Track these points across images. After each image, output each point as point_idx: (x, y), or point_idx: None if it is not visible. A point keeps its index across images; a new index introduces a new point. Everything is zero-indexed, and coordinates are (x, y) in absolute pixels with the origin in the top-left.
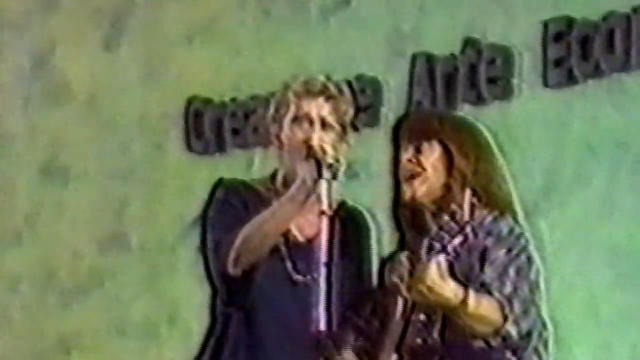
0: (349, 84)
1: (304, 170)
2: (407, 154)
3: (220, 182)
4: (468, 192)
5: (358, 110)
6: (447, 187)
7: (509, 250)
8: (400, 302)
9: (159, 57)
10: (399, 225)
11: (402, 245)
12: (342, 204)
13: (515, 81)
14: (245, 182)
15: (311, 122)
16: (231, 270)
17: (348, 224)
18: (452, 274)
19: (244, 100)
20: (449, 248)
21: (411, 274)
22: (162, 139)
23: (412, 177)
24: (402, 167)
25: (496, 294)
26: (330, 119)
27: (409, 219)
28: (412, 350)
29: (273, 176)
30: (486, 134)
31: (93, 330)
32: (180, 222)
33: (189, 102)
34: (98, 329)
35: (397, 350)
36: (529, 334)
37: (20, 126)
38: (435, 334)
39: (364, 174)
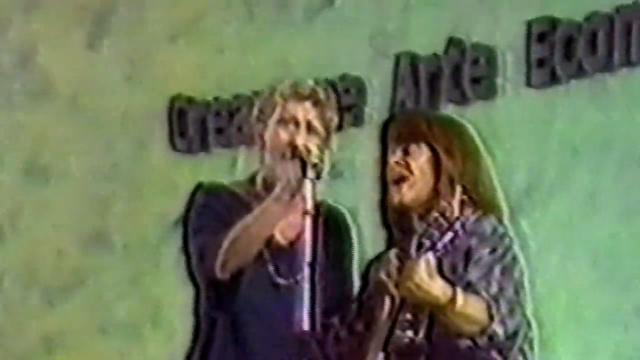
0: (333, 86)
1: (289, 170)
2: (394, 157)
3: (199, 186)
4: (458, 189)
5: (342, 113)
6: (436, 191)
7: (493, 250)
8: (387, 301)
9: (142, 56)
10: (387, 224)
11: (389, 244)
12: (322, 203)
13: (498, 81)
14: (225, 186)
15: (297, 125)
16: (219, 274)
17: (330, 223)
18: (441, 272)
19: (228, 99)
20: (439, 245)
21: (400, 271)
22: (145, 138)
23: (400, 180)
24: (389, 169)
25: (483, 293)
26: (316, 124)
27: (396, 218)
28: (398, 350)
29: (252, 179)
30: (473, 133)
31: (76, 329)
32: (164, 221)
33: (173, 101)
34: (81, 328)
35: (384, 350)
36: (514, 334)
37: (3, 124)
38: (422, 333)
39: (347, 174)
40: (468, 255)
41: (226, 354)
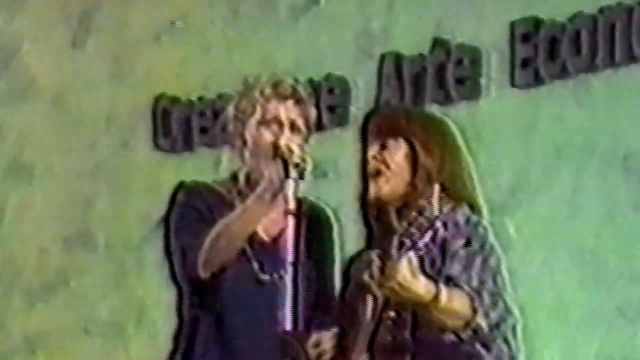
0: (310, 81)
1: (271, 170)
2: (372, 151)
3: (181, 186)
4: (437, 187)
5: (320, 110)
6: (412, 185)
7: (469, 241)
8: (370, 301)
9: (126, 54)
10: (368, 223)
11: (369, 242)
12: (303, 201)
13: (483, 81)
14: (207, 184)
15: (280, 125)
16: (201, 273)
17: (312, 222)
18: (423, 270)
19: (212, 99)
20: (420, 244)
21: (382, 271)
22: (129, 137)
23: (377, 174)
24: (368, 163)
25: (464, 287)
26: (299, 123)
27: (375, 215)
28: (383, 349)
29: (234, 177)
30: (454, 129)
31: (59, 329)
32: (147, 220)
33: (157, 100)
34: (64, 328)
35: (369, 349)
36: (497, 325)
37: None
38: (406, 331)
39: (332, 174)
40: (444, 247)
41: (209, 351)
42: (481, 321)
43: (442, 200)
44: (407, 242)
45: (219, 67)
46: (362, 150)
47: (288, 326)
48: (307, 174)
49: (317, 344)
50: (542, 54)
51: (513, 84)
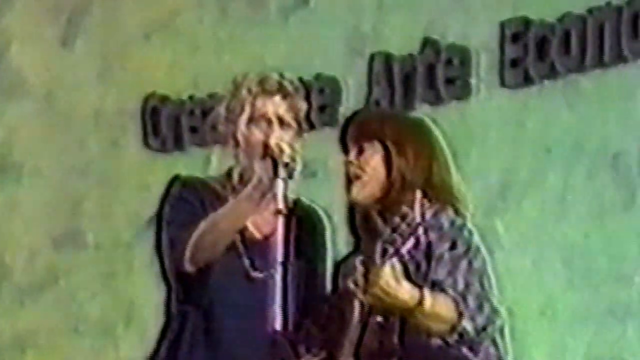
0: (301, 80)
1: (261, 169)
2: (349, 156)
3: (176, 179)
4: (419, 193)
5: (310, 107)
6: (388, 187)
7: (454, 244)
8: (357, 306)
9: (116, 53)
10: (354, 229)
11: (357, 248)
12: (297, 202)
13: (472, 81)
14: (201, 179)
15: (269, 122)
16: (187, 267)
17: (304, 223)
18: (407, 276)
19: (202, 98)
20: (403, 251)
21: (366, 278)
22: (118, 136)
23: (355, 179)
24: (346, 168)
25: (450, 291)
26: (288, 118)
27: (361, 221)
28: (370, 354)
29: (229, 173)
30: (432, 131)
31: (48, 328)
32: (137, 219)
33: (147, 99)
34: (53, 327)
35: (356, 354)
36: (484, 328)
37: None
38: (393, 336)
39: (321, 173)
40: (429, 250)
41: (196, 346)
42: (467, 325)
43: (425, 206)
44: (390, 249)
45: (208, 66)
46: (344, 156)
47: (278, 326)
48: (297, 174)
49: None
50: (532, 54)
51: (503, 83)
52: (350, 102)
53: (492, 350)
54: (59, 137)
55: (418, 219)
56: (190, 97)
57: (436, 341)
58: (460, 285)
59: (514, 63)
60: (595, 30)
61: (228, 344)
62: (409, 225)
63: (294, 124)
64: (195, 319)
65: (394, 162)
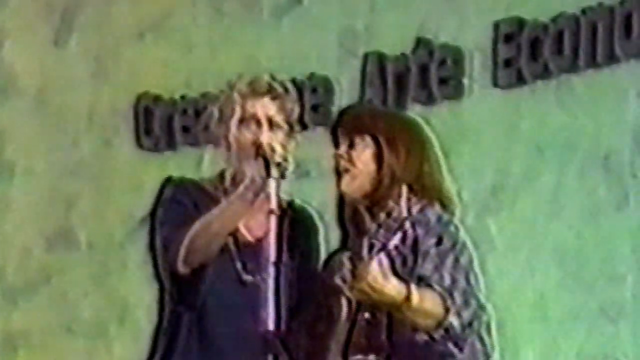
0: (293, 81)
1: (253, 169)
2: (340, 149)
3: (168, 181)
4: (405, 189)
5: (303, 107)
6: (378, 182)
7: (440, 239)
8: (344, 303)
9: (109, 53)
10: (343, 225)
11: (344, 244)
12: (290, 204)
13: (465, 81)
14: (194, 181)
15: (259, 123)
16: (181, 268)
17: (297, 223)
18: (394, 271)
19: (195, 97)
20: (390, 246)
21: (353, 274)
22: (111, 135)
23: (345, 171)
24: (335, 161)
25: (436, 286)
26: (278, 119)
27: (350, 217)
28: (358, 350)
29: (221, 175)
30: (423, 128)
31: (41, 328)
32: (130, 219)
33: (139, 98)
34: (46, 327)
35: (344, 351)
36: (470, 324)
37: None
38: (381, 333)
39: (315, 173)
40: (416, 246)
41: (190, 348)
42: (453, 320)
43: (411, 201)
44: (377, 244)
45: (202, 65)
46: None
47: (271, 326)
48: (289, 173)
49: None
50: (525, 54)
51: (495, 84)
52: (343, 101)
53: (478, 345)
54: (51, 136)
55: (404, 213)
56: (183, 97)
57: (422, 337)
58: (447, 281)
59: (507, 63)
60: (588, 30)
61: (221, 346)
62: (395, 220)
63: (284, 125)
64: (189, 320)
65: (385, 158)
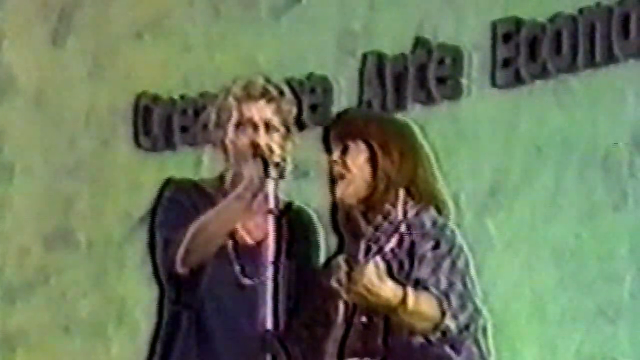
0: (290, 82)
1: (251, 170)
2: (334, 155)
3: (168, 182)
4: (402, 192)
5: (301, 109)
6: (373, 187)
7: (437, 243)
8: (341, 306)
9: (107, 52)
10: (337, 228)
11: (341, 248)
12: (290, 205)
13: (464, 81)
14: (194, 182)
15: (255, 127)
16: (179, 269)
17: (296, 225)
18: (390, 274)
19: (194, 97)
20: (386, 249)
21: (349, 276)
22: (109, 135)
23: (339, 178)
24: (330, 167)
25: (433, 289)
26: (274, 121)
27: (344, 222)
28: (354, 354)
29: (221, 177)
30: (416, 132)
31: (39, 328)
32: (128, 219)
33: (138, 98)
34: (44, 326)
35: (340, 354)
36: (467, 327)
37: None
38: (377, 337)
39: (313, 173)
40: (412, 250)
41: (189, 348)
42: (450, 323)
43: (408, 204)
44: (374, 247)
45: (200, 65)
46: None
47: (269, 326)
48: (287, 174)
49: None
50: (523, 54)
51: (494, 83)
52: (341, 101)
53: (474, 349)
54: (49, 136)
55: (401, 216)
56: (182, 97)
57: (419, 339)
58: (443, 284)
59: (506, 63)
60: (586, 30)
61: (219, 346)
62: (391, 223)
63: (281, 127)
64: (188, 321)
65: (380, 163)
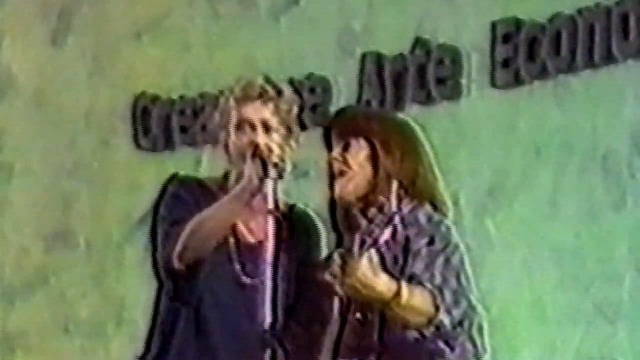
0: (291, 82)
1: (251, 170)
2: (335, 152)
3: (173, 177)
4: (395, 184)
5: (302, 108)
6: (374, 185)
7: (432, 239)
8: (336, 302)
9: (106, 52)
10: (336, 226)
11: (339, 245)
12: (292, 207)
13: (463, 81)
14: (198, 179)
15: (253, 127)
16: (176, 264)
17: (297, 226)
18: (384, 268)
19: (193, 97)
20: (380, 241)
21: (343, 270)
22: (109, 135)
23: (340, 174)
24: (330, 164)
25: (427, 284)
26: (273, 122)
27: (343, 218)
28: (349, 350)
29: (226, 176)
30: (416, 130)
31: (38, 328)
32: (127, 219)
33: (137, 98)
34: (43, 327)
35: (335, 349)
36: (461, 323)
37: None
38: (373, 333)
39: (313, 173)
40: (407, 246)
41: (187, 344)
42: (444, 318)
43: (402, 199)
44: (368, 239)
45: (199, 65)
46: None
47: (267, 325)
48: (287, 174)
49: None
50: (522, 54)
51: (493, 84)
52: (341, 101)
53: (469, 346)
54: (49, 136)
55: (394, 208)
56: (181, 97)
57: (413, 334)
58: (437, 280)
59: (505, 63)
60: (586, 30)
61: (218, 343)
62: (385, 214)
63: (280, 127)
64: (186, 317)
65: (381, 160)
